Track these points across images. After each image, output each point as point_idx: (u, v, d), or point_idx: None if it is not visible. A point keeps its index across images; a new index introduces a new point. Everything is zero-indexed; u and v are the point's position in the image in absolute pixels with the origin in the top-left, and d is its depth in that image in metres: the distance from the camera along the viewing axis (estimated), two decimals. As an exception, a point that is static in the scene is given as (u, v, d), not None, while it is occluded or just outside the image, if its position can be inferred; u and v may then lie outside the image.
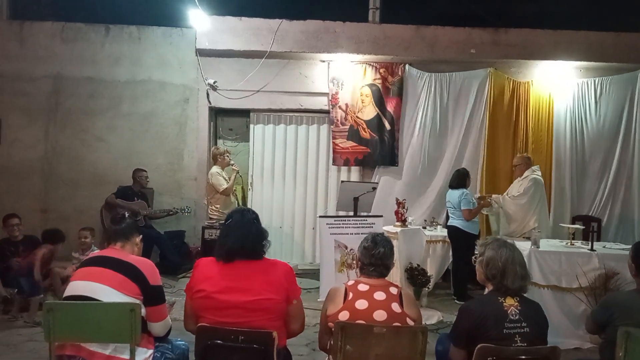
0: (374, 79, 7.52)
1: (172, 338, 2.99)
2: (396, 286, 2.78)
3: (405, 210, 6.15)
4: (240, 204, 7.57)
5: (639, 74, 7.55)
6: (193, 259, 6.82)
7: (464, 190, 6.25)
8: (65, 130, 7.51)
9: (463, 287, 6.25)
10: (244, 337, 2.48)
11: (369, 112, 7.54)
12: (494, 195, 6.46)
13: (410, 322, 2.65)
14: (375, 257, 2.80)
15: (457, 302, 6.05)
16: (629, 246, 3.56)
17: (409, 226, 6.14)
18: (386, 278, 2.84)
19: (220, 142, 8.06)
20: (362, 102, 7.52)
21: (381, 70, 7.52)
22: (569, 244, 5.33)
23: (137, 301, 2.66)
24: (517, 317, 2.53)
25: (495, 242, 2.78)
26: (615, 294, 3.67)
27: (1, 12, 7.70)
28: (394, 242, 3.05)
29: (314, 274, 6.84)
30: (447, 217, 6.62)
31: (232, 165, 6.97)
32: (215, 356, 2.52)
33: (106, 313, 2.60)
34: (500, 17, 7.83)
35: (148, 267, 2.80)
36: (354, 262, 5.70)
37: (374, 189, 6.42)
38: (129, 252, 2.94)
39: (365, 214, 6.27)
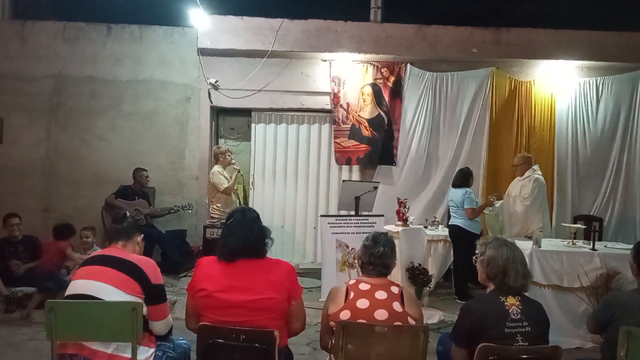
0: (376, 79, 7.52)
1: (174, 337, 2.99)
2: (397, 285, 2.78)
3: (406, 210, 6.15)
4: (242, 203, 7.57)
5: (641, 74, 7.55)
6: (194, 258, 6.83)
7: (467, 189, 6.25)
8: (67, 130, 7.52)
9: (464, 287, 6.25)
10: (245, 336, 2.48)
11: (370, 111, 7.54)
12: (497, 203, 6.44)
13: (412, 322, 2.64)
14: (374, 256, 2.80)
15: (459, 301, 6.05)
16: (631, 246, 3.56)
17: (410, 225, 6.14)
18: (387, 277, 2.84)
19: (221, 141, 8.06)
20: (364, 102, 7.52)
21: (382, 70, 7.52)
22: (571, 243, 5.33)
23: (139, 300, 2.66)
24: (518, 317, 2.53)
25: (495, 241, 2.78)
26: (616, 294, 3.66)
27: (3, 12, 7.71)
28: (395, 242, 3.05)
29: (316, 273, 6.84)
30: (449, 217, 6.62)
31: (234, 164, 6.97)
32: (216, 355, 2.52)
33: (108, 312, 2.61)
34: (501, 17, 7.83)
35: (150, 266, 2.81)
36: (355, 261, 5.70)
37: (375, 188, 6.41)
38: (130, 251, 2.95)
39: (366, 213, 6.27)
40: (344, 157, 7.59)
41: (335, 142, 7.58)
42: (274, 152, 7.81)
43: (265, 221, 2.95)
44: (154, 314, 2.77)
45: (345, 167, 7.75)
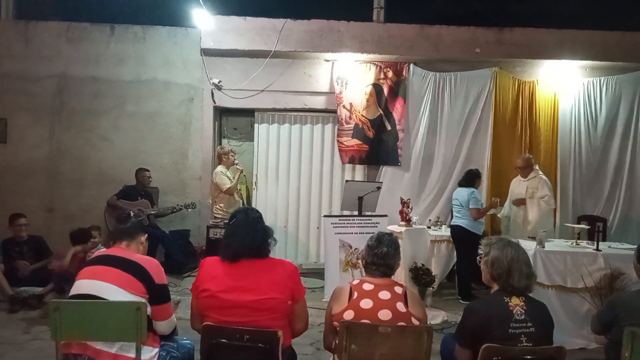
0: (378, 79, 7.51)
1: (178, 337, 2.99)
2: (401, 285, 2.78)
3: (409, 210, 6.14)
4: (245, 203, 7.59)
5: (644, 74, 7.53)
6: (198, 258, 6.84)
7: (474, 189, 6.24)
8: (70, 130, 7.53)
9: (467, 287, 6.24)
10: (249, 336, 2.48)
11: (373, 111, 7.53)
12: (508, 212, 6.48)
13: (416, 322, 2.64)
14: (377, 257, 2.79)
15: (462, 302, 6.05)
16: (635, 246, 3.54)
17: (413, 226, 6.13)
18: (391, 278, 2.84)
19: (224, 141, 8.07)
20: (367, 102, 7.51)
21: (385, 70, 7.51)
22: (575, 243, 5.32)
23: (143, 300, 2.67)
24: (522, 317, 2.52)
25: (499, 242, 2.78)
26: (620, 294, 3.65)
27: (6, 12, 7.73)
28: (399, 242, 3.04)
29: (319, 273, 6.84)
30: (452, 217, 6.61)
31: (237, 164, 6.98)
32: (220, 355, 2.52)
33: (112, 312, 2.61)
34: (504, 17, 7.82)
35: (153, 265, 2.81)
36: (359, 261, 5.71)
37: (379, 188, 6.42)
38: (134, 251, 2.95)
39: (369, 213, 6.27)
40: (347, 156, 7.58)
41: (338, 141, 7.57)
42: (277, 152, 7.80)
43: (268, 221, 2.96)
44: (157, 314, 2.77)
45: (348, 167, 7.75)
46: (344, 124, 7.54)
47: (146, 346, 2.69)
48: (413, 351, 2.52)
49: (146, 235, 3.13)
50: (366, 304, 2.65)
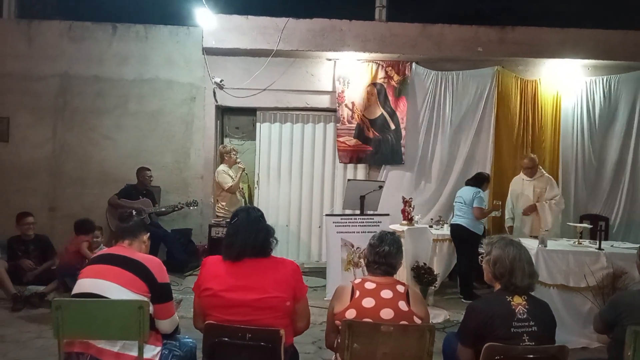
0: (380, 78, 7.51)
1: (180, 335, 3.00)
2: (403, 284, 2.78)
3: (411, 209, 6.14)
4: (247, 202, 7.59)
5: (647, 73, 7.51)
6: (200, 256, 6.84)
7: (479, 189, 6.23)
8: (73, 129, 7.54)
9: (468, 286, 6.23)
10: (251, 334, 2.49)
11: (375, 111, 7.53)
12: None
13: (418, 321, 2.64)
14: (379, 255, 2.80)
15: (464, 301, 6.04)
16: (637, 245, 3.55)
17: (415, 225, 6.13)
18: (393, 277, 2.84)
19: (226, 140, 8.07)
20: (368, 101, 7.50)
21: (387, 69, 7.50)
22: (577, 243, 5.31)
23: (145, 298, 2.67)
24: (525, 316, 2.52)
25: (501, 241, 2.77)
26: (623, 294, 3.65)
27: (9, 11, 7.74)
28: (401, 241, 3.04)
29: (321, 272, 6.84)
30: (453, 215, 6.61)
31: (239, 163, 6.98)
32: (222, 354, 2.53)
33: (114, 310, 2.61)
34: (506, 15, 7.80)
35: (156, 264, 2.82)
36: (361, 260, 5.71)
37: (381, 187, 6.41)
38: (136, 249, 2.96)
39: (371, 212, 6.27)
40: (347, 156, 7.58)
41: (338, 140, 7.56)
42: (279, 151, 7.80)
43: (270, 220, 2.96)
44: (160, 313, 2.78)
45: (350, 166, 7.75)
46: (346, 123, 7.53)
47: (148, 345, 2.70)
48: (415, 350, 2.52)
49: (148, 234, 3.13)
50: (368, 302, 2.65)
